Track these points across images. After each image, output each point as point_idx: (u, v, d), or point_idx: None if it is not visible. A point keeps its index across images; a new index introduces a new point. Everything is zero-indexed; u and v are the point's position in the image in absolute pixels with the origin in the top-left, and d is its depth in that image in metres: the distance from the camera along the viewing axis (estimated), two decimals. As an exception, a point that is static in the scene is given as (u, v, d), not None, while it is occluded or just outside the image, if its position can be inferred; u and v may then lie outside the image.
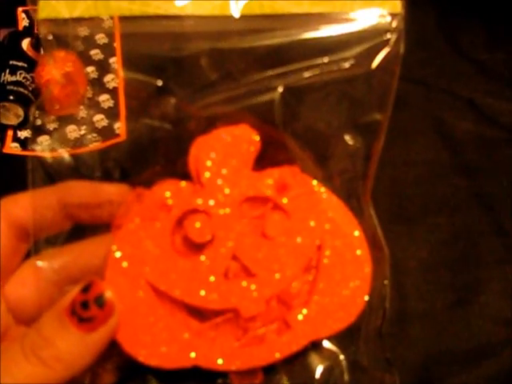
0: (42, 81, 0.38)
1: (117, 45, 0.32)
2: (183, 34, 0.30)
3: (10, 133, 0.43)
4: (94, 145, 0.33)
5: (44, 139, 0.39)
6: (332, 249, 0.31)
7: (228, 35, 0.30)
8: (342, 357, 0.32)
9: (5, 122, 0.43)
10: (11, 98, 0.43)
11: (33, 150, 0.39)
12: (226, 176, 0.30)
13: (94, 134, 0.32)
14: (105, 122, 0.34)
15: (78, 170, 0.31)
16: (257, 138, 0.31)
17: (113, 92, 0.34)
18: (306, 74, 0.31)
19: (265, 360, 0.30)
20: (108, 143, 0.33)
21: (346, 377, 0.32)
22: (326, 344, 0.32)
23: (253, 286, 0.30)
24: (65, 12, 0.30)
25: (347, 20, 0.31)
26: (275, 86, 0.31)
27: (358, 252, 0.31)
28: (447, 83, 0.43)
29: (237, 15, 0.30)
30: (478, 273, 0.38)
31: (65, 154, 0.32)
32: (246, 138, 0.31)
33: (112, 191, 0.31)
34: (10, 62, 0.45)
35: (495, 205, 0.40)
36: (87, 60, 0.33)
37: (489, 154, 0.42)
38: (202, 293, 0.30)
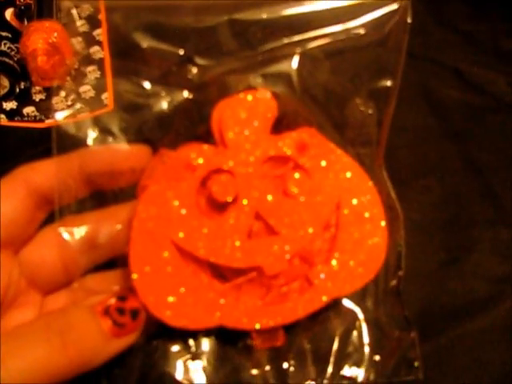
0: (27, 51, 0.38)
1: (102, 17, 0.32)
2: (203, 6, 0.32)
3: (-5, 104, 0.43)
4: (82, 115, 0.33)
5: (30, 110, 0.40)
6: (350, 207, 0.32)
7: (245, 7, 0.32)
8: (361, 316, 0.33)
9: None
10: (-4, 68, 0.42)
11: (19, 121, 0.38)
12: (249, 137, 0.31)
13: (82, 105, 0.33)
14: (92, 93, 0.34)
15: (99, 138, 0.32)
16: (274, 103, 0.32)
17: (99, 63, 0.35)
18: (321, 42, 0.32)
19: (288, 318, 0.31)
20: (96, 113, 0.33)
21: (366, 336, 0.33)
22: (346, 303, 0.33)
23: (276, 244, 0.31)
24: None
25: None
26: (292, 53, 0.33)
27: (375, 210, 0.32)
28: (433, 53, 0.45)
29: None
30: (469, 233, 0.39)
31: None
32: (265, 102, 0.32)
33: (133, 154, 0.32)
34: (-6, 33, 0.44)
35: (484, 168, 0.41)
36: (72, 31, 0.34)
37: (476, 121, 0.43)
38: (227, 252, 0.31)
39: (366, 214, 0.32)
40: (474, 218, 0.40)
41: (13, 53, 0.42)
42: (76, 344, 0.27)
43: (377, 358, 0.33)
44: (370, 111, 0.34)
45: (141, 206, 0.31)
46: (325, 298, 0.31)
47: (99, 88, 0.32)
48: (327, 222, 0.32)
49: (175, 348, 0.32)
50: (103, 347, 0.28)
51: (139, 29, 0.32)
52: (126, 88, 0.32)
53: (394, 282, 0.33)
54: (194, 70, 0.32)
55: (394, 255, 0.33)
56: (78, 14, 0.33)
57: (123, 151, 0.32)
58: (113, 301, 0.29)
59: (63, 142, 0.31)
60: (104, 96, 0.32)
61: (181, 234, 0.31)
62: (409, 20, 0.32)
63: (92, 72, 0.34)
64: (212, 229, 0.31)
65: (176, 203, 0.31)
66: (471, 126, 0.43)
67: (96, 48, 0.35)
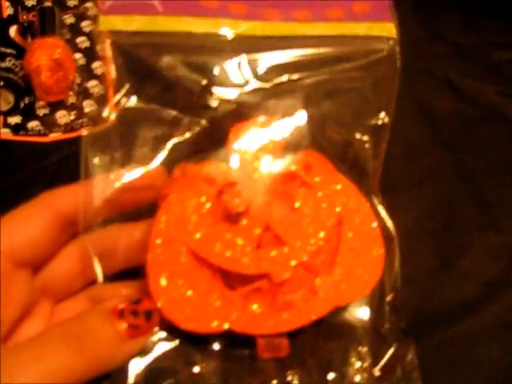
0: (31, 67, 0.40)
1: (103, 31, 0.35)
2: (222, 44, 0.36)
3: (0, 119, 0.44)
4: (84, 129, 0.34)
5: (34, 124, 0.41)
6: (351, 222, 0.35)
7: (259, 44, 0.36)
8: (361, 327, 0.35)
9: (-5, 107, 0.44)
10: (1, 84, 0.43)
11: (23, 135, 0.40)
12: (260, 156, 0.35)
13: (84, 119, 0.34)
14: (94, 107, 0.36)
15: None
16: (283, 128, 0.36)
17: (101, 78, 0.37)
18: (317, 81, 0.36)
19: (293, 324, 0.33)
20: (98, 128, 0.34)
21: (366, 347, 0.34)
22: (347, 315, 0.35)
23: (284, 254, 0.33)
24: (121, 26, 0.36)
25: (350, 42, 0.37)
26: (295, 90, 0.37)
27: (374, 224, 0.35)
28: (425, 65, 0.47)
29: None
30: (460, 239, 0.41)
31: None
32: (275, 127, 0.36)
33: (151, 173, 0.34)
34: (-1, 50, 0.45)
35: (476, 176, 0.43)
36: (75, 47, 0.36)
37: (467, 131, 0.45)
38: (238, 259, 0.33)
39: (366, 228, 0.35)
40: (465, 225, 0.41)
41: (17, 69, 0.44)
42: (93, 347, 0.28)
43: (377, 368, 0.34)
44: (366, 144, 0.37)
45: (160, 212, 0.33)
46: (328, 307, 0.33)
47: (101, 102, 0.34)
48: (330, 234, 0.35)
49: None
50: (119, 349, 0.29)
51: (159, 56, 0.35)
52: (148, 116, 0.36)
53: (391, 296, 0.35)
54: (212, 100, 0.36)
55: (390, 274, 0.36)
56: (81, 29, 0.35)
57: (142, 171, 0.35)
58: (127, 303, 0.30)
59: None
60: (106, 110, 0.34)
61: (196, 241, 0.33)
62: (398, 65, 0.37)
63: (94, 87, 0.36)
64: (225, 237, 0.33)
65: (193, 212, 0.33)
66: (463, 136, 0.45)
67: (98, 63, 0.37)
